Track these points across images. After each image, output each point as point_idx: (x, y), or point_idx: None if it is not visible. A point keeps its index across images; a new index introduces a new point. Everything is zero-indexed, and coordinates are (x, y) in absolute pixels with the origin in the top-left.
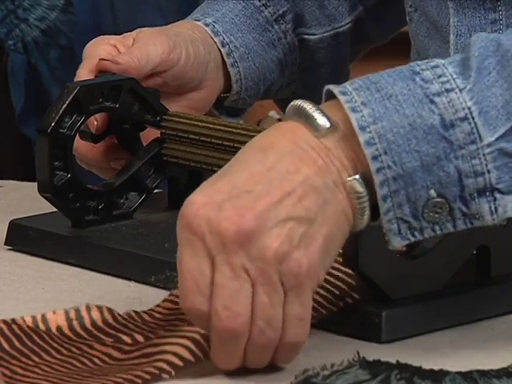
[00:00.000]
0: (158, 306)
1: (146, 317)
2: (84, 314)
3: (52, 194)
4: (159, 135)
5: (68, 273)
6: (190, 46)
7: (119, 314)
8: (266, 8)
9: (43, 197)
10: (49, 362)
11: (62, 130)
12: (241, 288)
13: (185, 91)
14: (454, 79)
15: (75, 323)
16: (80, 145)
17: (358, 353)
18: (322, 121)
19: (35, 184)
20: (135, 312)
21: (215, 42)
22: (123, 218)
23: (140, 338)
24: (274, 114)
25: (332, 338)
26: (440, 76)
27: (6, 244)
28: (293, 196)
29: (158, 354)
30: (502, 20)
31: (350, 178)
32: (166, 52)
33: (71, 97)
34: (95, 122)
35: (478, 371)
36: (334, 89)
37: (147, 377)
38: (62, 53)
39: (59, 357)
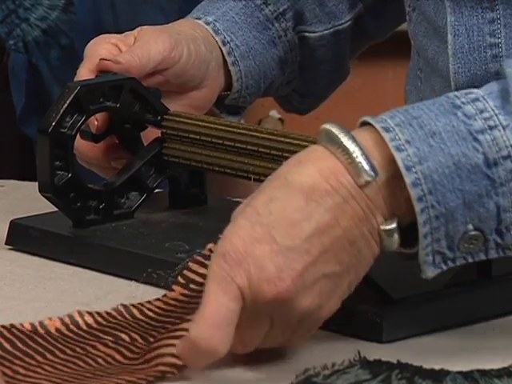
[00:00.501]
0: (150, 302)
1: (136, 312)
2: (78, 318)
3: (53, 194)
4: (160, 135)
5: (69, 272)
6: (191, 44)
7: (109, 314)
8: (267, 6)
9: (44, 196)
10: (52, 361)
11: (62, 130)
12: (260, 329)
13: (186, 90)
14: (496, 115)
15: (72, 327)
16: (81, 144)
17: (358, 352)
18: (366, 169)
19: (36, 184)
20: (124, 307)
21: (216, 41)
22: (124, 217)
23: (137, 336)
24: (274, 113)
25: (333, 338)
26: (482, 111)
27: (6, 244)
28: (330, 253)
29: (157, 358)
30: (499, 19)
31: (387, 228)
32: (168, 50)
33: (72, 96)
34: (96, 121)
35: (478, 371)
36: (376, 123)
37: (150, 379)
38: (63, 52)
39: (63, 356)
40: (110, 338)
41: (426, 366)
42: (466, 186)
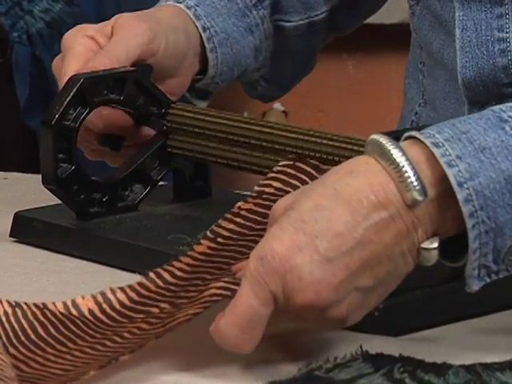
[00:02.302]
0: (179, 261)
1: (167, 276)
2: (111, 296)
3: (56, 186)
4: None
5: (72, 265)
6: (170, 35)
7: (141, 285)
8: None
9: (47, 189)
10: (82, 346)
11: (66, 122)
12: (282, 321)
13: (161, 78)
14: None
15: (105, 306)
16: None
17: (360, 346)
18: (417, 189)
19: (40, 176)
20: (155, 273)
21: (196, 26)
22: (128, 210)
23: (166, 305)
24: (278, 106)
25: (334, 332)
26: None
27: (10, 236)
28: (367, 267)
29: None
30: (508, 14)
31: (429, 247)
32: (146, 42)
33: (75, 89)
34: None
35: (481, 364)
36: (425, 139)
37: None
38: None
39: (91, 340)
40: (141, 316)
41: (428, 359)
42: None
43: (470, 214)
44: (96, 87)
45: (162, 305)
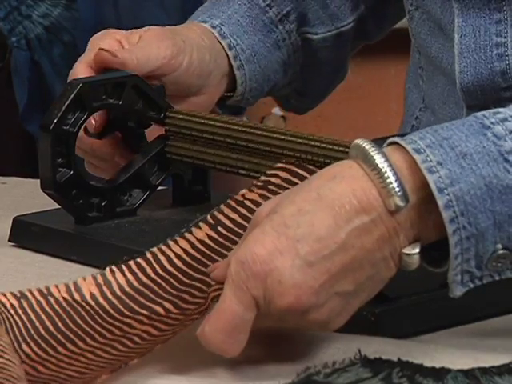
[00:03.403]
0: (176, 243)
1: (164, 261)
2: (110, 278)
3: (55, 191)
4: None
5: (71, 269)
6: (194, 52)
7: (138, 266)
8: (271, 8)
9: (46, 193)
10: (93, 347)
11: (64, 127)
12: (265, 324)
13: (184, 95)
14: None
15: (105, 289)
16: (85, 137)
17: (359, 351)
18: (399, 195)
19: (38, 181)
20: (151, 253)
21: (222, 46)
22: (126, 214)
23: (170, 306)
24: (277, 110)
25: (333, 336)
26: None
27: (9, 240)
28: (348, 271)
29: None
30: (506, 20)
31: (410, 252)
32: (168, 57)
33: (74, 93)
34: (93, 121)
35: (479, 369)
36: (406, 145)
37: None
38: (66, 50)
39: (102, 341)
40: (145, 313)
41: (427, 364)
42: (496, 206)
43: (450, 219)
44: (95, 92)
45: (167, 305)
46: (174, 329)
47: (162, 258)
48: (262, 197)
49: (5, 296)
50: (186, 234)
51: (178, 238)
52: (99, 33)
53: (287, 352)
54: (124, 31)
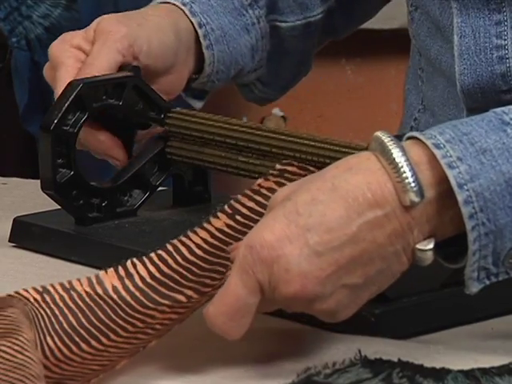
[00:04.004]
0: (195, 233)
1: (184, 251)
2: (132, 270)
3: (55, 192)
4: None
5: (71, 270)
6: (153, 35)
7: (160, 258)
8: None
9: (46, 194)
10: (116, 342)
11: (64, 128)
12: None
13: (151, 78)
14: None
15: (127, 282)
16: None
17: (359, 351)
18: (414, 190)
19: (39, 181)
20: (172, 245)
21: (192, 23)
22: (127, 215)
23: (192, 293)
24: (277, 111)
25: (333, 337)
26: None
27: (9, 241)
28: (357, 265)
29: None
30: (506, 21)
31: (424, 248)
32: (126, 47)
33: (74, 94)
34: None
35: (479, 369)
36: (426, 140)
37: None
38: None
39: (125, 335)
40: (167, 302)
41: (427, 364)
42: None
43: (469, 215)
44: (95, 92)
45: (188, 292)
46: (192, 309)
47: (183, 249)
48: (277, 184)
49: (27, 291)
50: (205, 224)
51: (197, 229)
52: (55, 43)
53: (287, 352)
54: (79, 32)
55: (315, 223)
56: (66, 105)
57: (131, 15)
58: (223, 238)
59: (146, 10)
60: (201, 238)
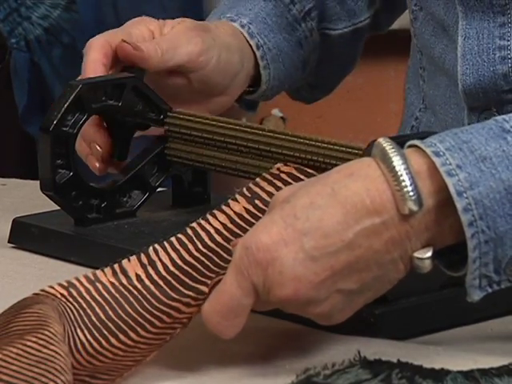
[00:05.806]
0: (215, 217)
1: (204, 237)
2: (154, 257)
3: (54, 192)
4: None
5: (70, 271)
6: (223, 52)
7: (180, 243)
8: (294, 5)
9: (45, 195)
10: (145, 338)
11: (64, 128)
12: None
13: (207, 95)
14: None
15: (150, 270)
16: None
17: (359, 352)
18: (413, 199)
19: (38, 182)
20: (192, 230)
21: (250, 45)
22: (126, 216)
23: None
24: (276, 112)
25: (333, 338)
26: None
27: (9, 242)
28: (353, 270)
29: None
30: (510, 23)
31: (422, 256)
32: (196, 53)
33: (73, 95)
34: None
35: (479, 370)
36: (425, 148)
37: None
38: (65, 51)
39: (154, 330)
40: (192, 294)
41: (426, 365)
42: None
43: (469, 223)
44: (94, 93)
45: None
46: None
47: (203, 234)
48: (297, 170)
49: (53, 287)
50: (224, 207)
51: (216, 212)
52: (135, 19)
53: (286, 353)
54: (160, 21)
55: (312, 228)
56: (66, 106)
57: (208, 27)
58: (242, 224)
59: (215, 26)
60: (220, 222)
